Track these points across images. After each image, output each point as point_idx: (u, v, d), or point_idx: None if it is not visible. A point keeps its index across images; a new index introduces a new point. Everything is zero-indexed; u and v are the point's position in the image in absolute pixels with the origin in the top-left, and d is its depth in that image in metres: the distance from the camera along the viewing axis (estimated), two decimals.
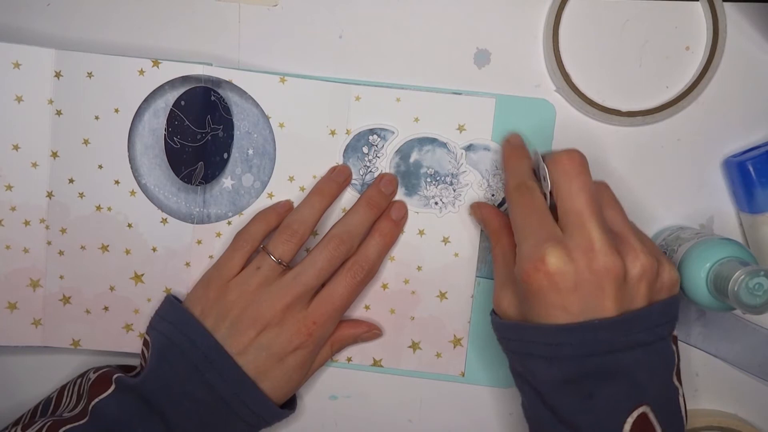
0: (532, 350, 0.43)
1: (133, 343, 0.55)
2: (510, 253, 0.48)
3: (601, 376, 0.41)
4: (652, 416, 0.41)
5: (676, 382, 0.44)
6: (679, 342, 0.54)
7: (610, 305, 0.41)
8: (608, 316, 0.41)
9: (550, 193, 0.45)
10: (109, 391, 0.49)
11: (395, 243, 0.54)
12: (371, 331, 0.55)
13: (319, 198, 0.52)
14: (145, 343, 0.52)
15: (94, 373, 0.52)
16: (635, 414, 0.41)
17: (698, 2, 0.51)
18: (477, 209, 0.53)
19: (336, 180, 0.53)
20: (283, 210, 0.53)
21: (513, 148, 0.51)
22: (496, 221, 0.51)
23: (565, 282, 0.41)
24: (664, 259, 0.44)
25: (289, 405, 0.54)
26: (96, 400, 0.49)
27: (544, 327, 0.42)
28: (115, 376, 0.50)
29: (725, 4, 0.50)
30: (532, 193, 0.46)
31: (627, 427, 0.41)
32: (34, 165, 0.53)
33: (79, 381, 0.52)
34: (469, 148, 0.53)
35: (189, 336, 0.50)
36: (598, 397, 0.41)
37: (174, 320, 0.51)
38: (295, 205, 0.53)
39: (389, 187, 0.53)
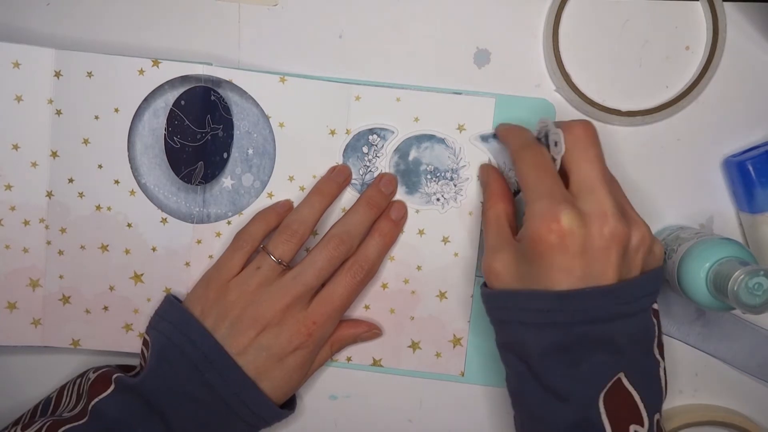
0: (523, 318, 0.44)
1: (132, 343, 0.55)
2: (504, 217, 0.48)
3: (589, 344, 0.42)
4: (626, 381, 0.42)
5: (658, 355, 0.44)
6: (677, 341, 0.54)
7: (611, 273, 0.42)
8: (608, 283, 0.42)
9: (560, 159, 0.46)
10: (109, 390, 0.49)
11: (395, 243, 0.54)
12: (371, 331, 0.55)
13: (319, 198, 0.52)
14: (145, 342, 0.52)
15: (93, 372, 0.52)
16: (612, 380, 0.42)
17: (698, 2, 0.51)
18: (484, 170, 0.53)
19: (336, 180, 0.53)
20: (283, 210, 0.53)
21: (511, 125, 0.52)
22: (497, 185, 0.51)
23: (575, 245, 0.41)
24: (659, 244, 0.46)
25: (289, 405, 0.54)
26: (96, 399, 0.49)
27: (538, 293, 0.43)
28: (114, 375, 0.50)
29: (725, 4, 0.50)
30: (543, 153, 0.46)
31: (602, 393, 0.42)
32: (34, 165, 0.53)
33: (78, 381, 0.52)
34: (495, 136, 0.53)
35: (189, 336, 0.50)
36: (585, 365, 0.42)
37: (174, 320, 0.51)
38: (295, 205, 0.53)
39: (389, 186, 0.53)
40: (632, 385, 0.42)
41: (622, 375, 0.42)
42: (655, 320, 0.45)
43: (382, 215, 0.53)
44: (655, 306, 0.45)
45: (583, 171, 0.44)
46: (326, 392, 0.57)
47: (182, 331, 0.50)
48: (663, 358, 0.45)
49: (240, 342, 0.50)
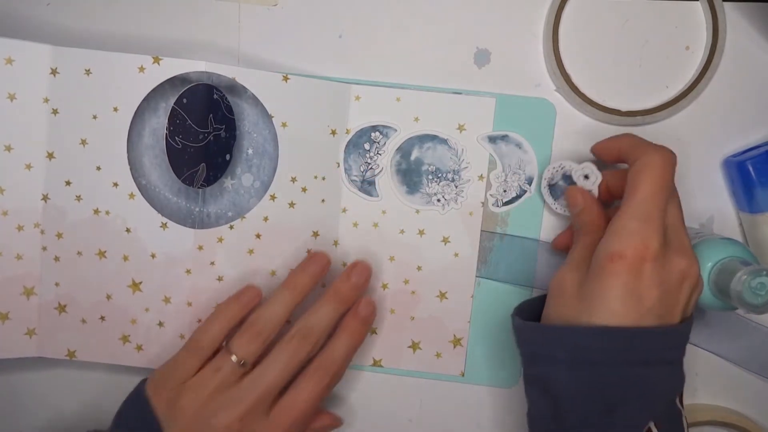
0: (559, 353, 0.41)
1: (129, 356, 0.53)
2: (593, 246, 0.44)
3: (626, 390, 0.40)
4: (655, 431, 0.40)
5: (679, 405, 0.43)
6: None
7: (678, 312, 0.41)
8: (675, 323, 0.41)
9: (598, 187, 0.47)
10: None
11: (362, 342, 0.52)
12: (333, 424, 0.53)
13: (290, 293, 0.49)
14: None
15: None
16: (644, 429, 0.40)
17: (698, 2, 0.51)
18: (579, 195, 0.48)
19: (310, 271, 0.50)
20: (249, 301, 0.50)
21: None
22: (599, 217, 0.46)
23: (653, 273, 0.40)
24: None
25: None
26: None
27: (580, 328, 0.41)
28: None
29: (725, 4, 0.51)
30: (673, 170, 0.43)
31: None
32: (28, 167, 0.52)
33: None
34: (503, 138, 0.53)
35: None
36: (617, 414, 0.40)
37: (134, 426, 0.48)
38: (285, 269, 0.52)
39: (361, 277, 0.51)
40: None
41: (652, 425, 0.40)
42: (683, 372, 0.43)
43: (350, 312, 0.50)
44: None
45: (671, 211, 0.43)
46: None
47: None
48: (683, 406, 0.43)
49: None
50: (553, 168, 0.51)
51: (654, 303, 0.40)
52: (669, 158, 0.43)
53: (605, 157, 0.48)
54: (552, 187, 0.52)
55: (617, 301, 0.40)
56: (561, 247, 0.52)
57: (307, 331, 0.48)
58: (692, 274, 0.41)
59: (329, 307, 0.49)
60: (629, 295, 0.40)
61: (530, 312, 0.47)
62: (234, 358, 0.47)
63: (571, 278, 0.43)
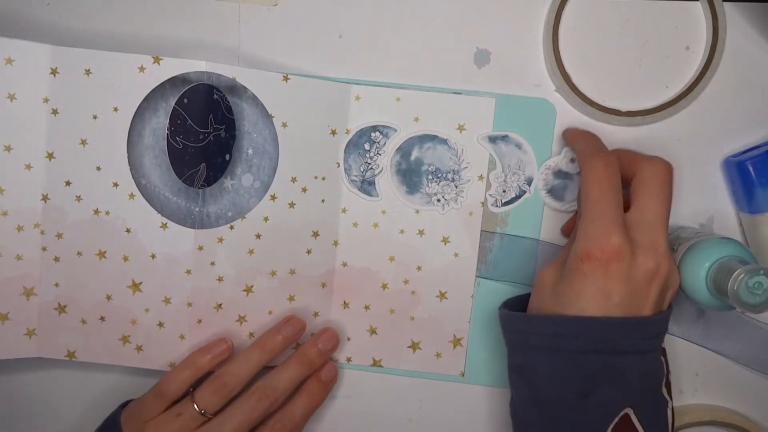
0: (537, 342, 0.44)
1: (128, 357, 0.54)
2: None
3: (600, 376, 0.42)
4: (634, 417, 0.42)
5: (666, 394, 0.44)
6: (679, 339, 0.54)
7: (648, 307, 0.43)
8: (645, 314, 0.42)
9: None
10: None
11: (321, 405, 0.53)
12: None
13: (259, 353, 0.51)
14: None
15: None
16: (619, 415, 0.42)
17: (698, 2, 0.51)
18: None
19: (284, 334, 0.52)
20: (219, 354, 0.52)
21: (578, 129, 0.52)
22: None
23: (620, 271, 0.42)
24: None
25: None
26: None
27: (557, 317, 0.43)
28: None
29: (725, 4, 0.50)
30: (613, 166, 0.45)
31: (610, 427, 0.41)
32: (28, 167, 0.51)
33: None
34: (503, 138, 0.53)
35: None
36: (592, 397, 0.42)
37: None
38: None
39: (328, 344, 0.53)
40: (640, 422, 0.42)
41: (630, 411, 0.42)
42: (663, 359, 0.45)
43: (313, 375, 0.53)
44: (663, 345, 0.45)
45: (650, 207, 0.44)
46: None
47: None
48: (671, 398, 0.45)
49: None
50: (545, 169, 0.53)
51: (621, 299, 0.42)
52: (668, 168, 0.46)
53: None
54: (551, 190, 0.53)
55: (587, 298, 0.42)
56: (568, 233, 0.53)
57: (270, 389, 0.50)
58: (661, 274, 0.43)
59: (294, 369, 0.52)
60: (598, 292, 0.42)
61: (517, 307, 0.49)
62: (196, 407, 0.49)
63: (550, 275, 0.46)
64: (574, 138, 0.51)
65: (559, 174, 0.53)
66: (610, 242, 0.42)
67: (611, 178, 0.44)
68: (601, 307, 0.42)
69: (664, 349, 0.45)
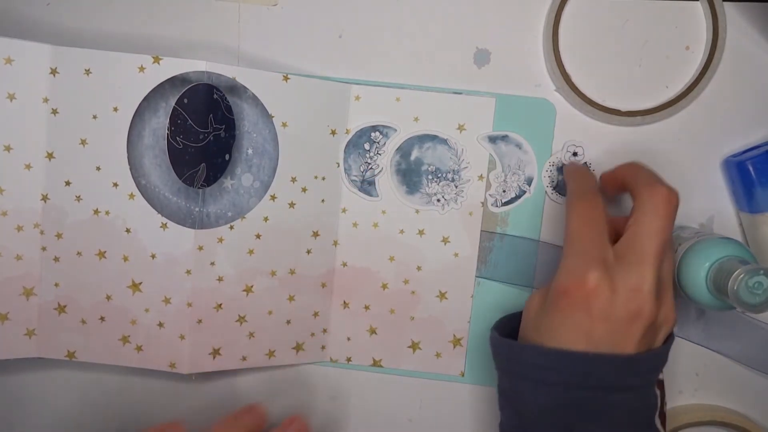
0: (524, 371, 0.42)
1: (129, 357, 0.53)
2: None
3: (585, 412, 0.41)
4: None
5: (659, 425, 0.43)
6: (680, 339, 0.54)
7: (631, 346, 0.41)
8: (627, 353, 0.41)
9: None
10: None
11: None
12: None
13: None
14: None
15: None
16: None
17: (698, 2, 0.51)
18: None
19: (243, 422, 0.50)
20: None
21: (577, 166, 0.51)
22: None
23: (599, 308, 0.40)
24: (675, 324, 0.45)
25: None
26: None
27: (542, 349, 0.42)
28: None
29: (725, 4, 0.50)
30: (598, 207, 0.44)
31: None
32: (28, 167, 0.51)
33: None
34: (503, 138, 0.53)
35: None
36: None
37: None
38: None
39: None
40: None
41: None
42: (658, 391, 0.44)
43: None
44: (661, 377, 0.44)
45: (640, 240, 0.42)
46: (326, 392, 0.57)
47: None
48: (665, 428, 0.44)
49: None
50: (549, 166, 0.53)
51: (601, 336, 0.40)
52: (669, 197, 0.43)
53: (608, 189, 0.49)
54: (556, 186, 0.53)
55: (566, 333, 0.41)
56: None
57: None
58: (644, 316, 0.41)
59: None
60: (576, 328, 0.41)
61: (509, 325, 0.48)
62: None
63: (536, 303, 0.44)
64: (569, 176, 0.49)
65: (562, 169, 0.53)
66: (587, 279, 0.40)
67: (593, 212, 0.43)
68: (581, 342, 0.41)
69: (661, 380, 0.44)
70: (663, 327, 0.43)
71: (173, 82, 0.50)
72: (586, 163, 0.53)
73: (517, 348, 0.43)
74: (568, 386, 0.41)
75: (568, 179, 0.49)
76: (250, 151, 0.52)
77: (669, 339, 0.44)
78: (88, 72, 0.50)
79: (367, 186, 0.54)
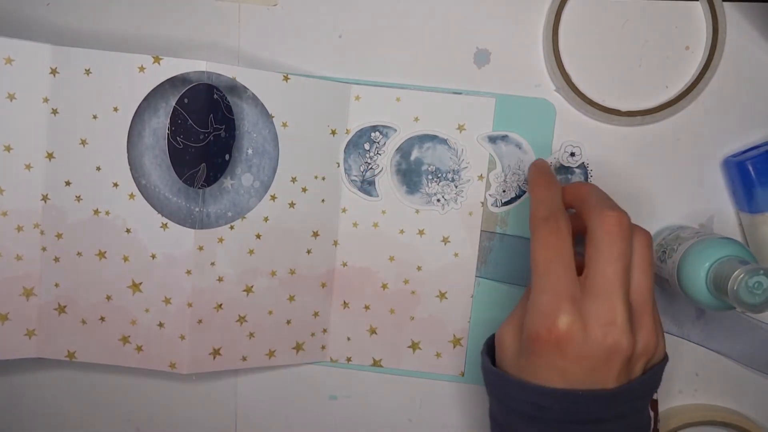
0: (515, 405, 0.42)
1: (129, 357, 0.53)
2: None
3: None
4: None
5: None
6: (679, 339, 0.54)
7: (611, 380, 0.40)
8: (607, 388, 0.40)
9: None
10: None
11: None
12: None
13: None
14: None
15: None
16: None
17: (698, 2, 0.51)
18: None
19: None
20: None
21: (542, 173, 0.47)
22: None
23: (572, 350, 0.39)
24: (662, 334, 0.43)
25: None
26: None
27: (532, 387, 0.41)
28: None
29: (725, 4, 0.50)
30: (561, 233, 0.41)
31: None
32: (28, 167, 0.51)
33: None
34: (503, 138, 0.53)
35: None
36: None
37: None
38: None
39: None
40: None
41: None
42: (652, 412, 0.43)
43: None
44: (655, 396, 0.43)
45: (602, 270, 0.40)
46: (326, 392, 0.57)
47: None
48: None
49: None
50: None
51: (578, 376, 0.39)
52: (619, 221, 0.41)
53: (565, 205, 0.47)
54: None
55: (544, 374, 0.40)
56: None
57: None
58: (620, 350, 0.39)
59: None
60: (553, 369, 0.40)
61: None
62: None
63: (509, 337, 0.43)
64: (532, 183, 0.47)
65: (561, 170, 0.53)
66: (558, 324, 0.39)
67: (559, 244, 0.41)
68: (561, 382, 0.40)
69: (655, 400, 0.43)
70: (641, 358, 0.41)
71: (173, 82, 0.50)
72: (583, 164, 0.53)
73: (510, 382, 0.42)
74: (565, 422, 0.40)
75: (532, 187, 0.46)
76: (250, 151, 0.52)
77: (662, 362, 0.43)
78: (88, 72, 0.50)
79: (367, 186, 0.54)
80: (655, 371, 0.42)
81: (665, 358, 0.43)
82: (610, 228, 0.40)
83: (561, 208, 0.44)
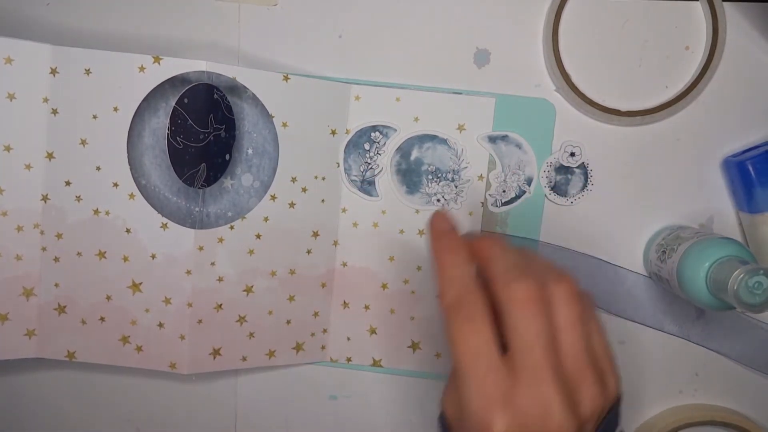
0: None
1: (129, 358, 0.53)
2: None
3: None
4: None
5: None
6: (679, 339, 0.54)
7: None
8: None
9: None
10: None
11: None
12: None
13: None
14: None
15: None
16: None
17: (698, 2, 0.51)
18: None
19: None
20: None
21: (443, 236, 0.40)
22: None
23: None
24: (611, 371, 0.38)
25: None
26: None
27: None
28: None
29: (725, 4, 0.51)
30: (476, 320, 0.36)
31: None
32: (28, 167, 0.51)
33: None
34: (503, 138, 0.53)
35: None
36: None
37: None
38: None
39: None
40: None
41: None
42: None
43: None
44: (620, 428, 0.40)
45: (527, 354, 0.35)
46: (326, 392, 0.57)
47: None
48: None
49: None
50: (547, 166, 0.53)
51: None
52: (528, 291, 0.36)
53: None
54: (554, 187, 0.53)
55: None
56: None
57: None
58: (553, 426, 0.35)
59: None
60: None
61: None
62: None
63: (453, 412, 0.38)
64: (437, 251, 0.39)
65: (560, 170, 0.53)
66: (490, 429, 0.34)
67: (476, 334, 0.36)
68: None
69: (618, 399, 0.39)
70: (591, 418, 0.37)
71: (173, 82, 0.50)
72: (583, 164, 0.53)
73: None
74: None
75: (435, 255, 0.39)
76: (250, 151, 0.52)
77: (613, 406, 0.39)
78: (88, 72, 0.50)
79: (367, 186, 0.54)
80: (608, 420, 0.38)
81: (618, 399, 0.39)
82: (521, 304, 0.36)
83: (470, 282, 0.38)
